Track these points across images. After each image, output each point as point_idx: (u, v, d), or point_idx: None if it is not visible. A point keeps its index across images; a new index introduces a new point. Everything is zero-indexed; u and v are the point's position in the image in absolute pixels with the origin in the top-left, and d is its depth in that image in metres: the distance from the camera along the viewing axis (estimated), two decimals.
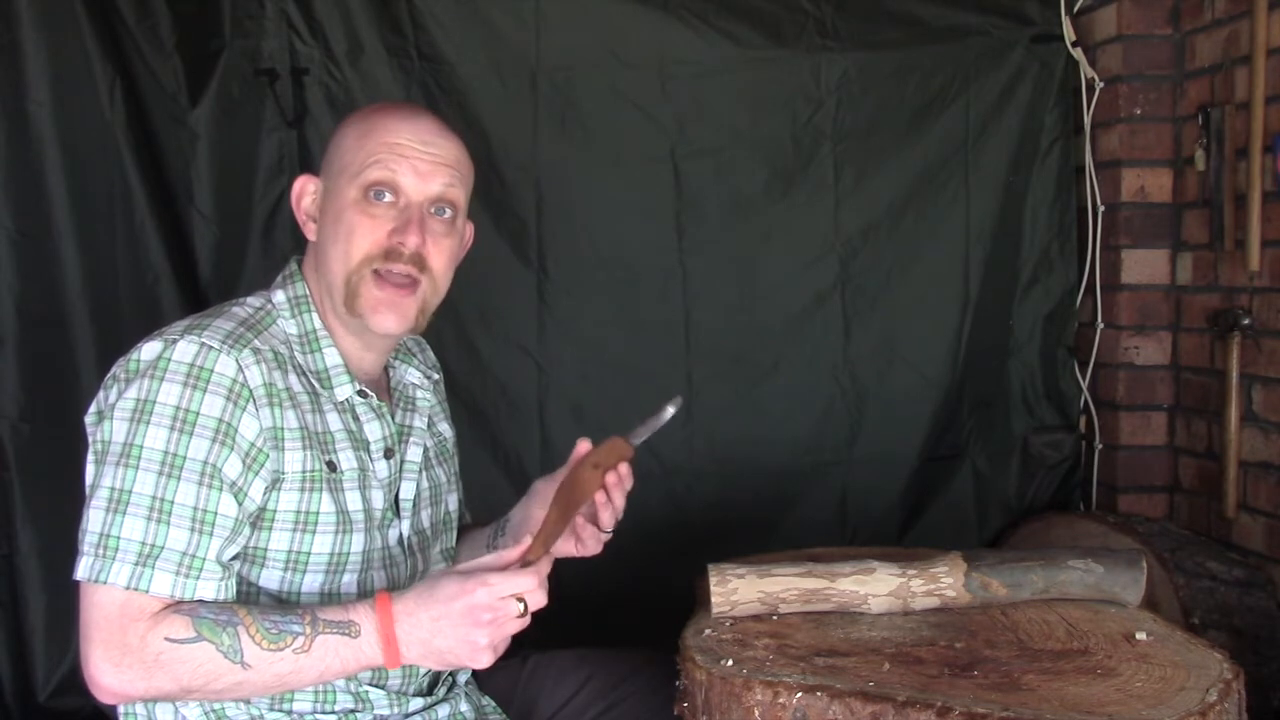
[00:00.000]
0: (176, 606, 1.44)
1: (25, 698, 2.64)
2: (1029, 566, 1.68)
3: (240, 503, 1.49)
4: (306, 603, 1.55)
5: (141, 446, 1.45)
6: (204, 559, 1.46)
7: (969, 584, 1.66)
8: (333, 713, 1.57)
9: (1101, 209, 2.98)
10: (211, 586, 1.46)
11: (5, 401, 2.59)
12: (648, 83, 2.83)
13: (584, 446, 1.65)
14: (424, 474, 1.72)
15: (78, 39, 2.58)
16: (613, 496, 1.64)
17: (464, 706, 1.72)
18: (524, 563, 1.47)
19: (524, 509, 1.79)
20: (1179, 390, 2.92)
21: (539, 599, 1.45)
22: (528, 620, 1.45)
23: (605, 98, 2.82)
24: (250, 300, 1.63)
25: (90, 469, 1.50)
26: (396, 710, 1.63)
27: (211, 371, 1.48)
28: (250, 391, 1.49)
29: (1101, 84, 2.95)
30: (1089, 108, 2.97)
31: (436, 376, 1.86)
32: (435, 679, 1.71)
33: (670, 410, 1.66)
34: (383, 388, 1.72)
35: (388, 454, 1.66)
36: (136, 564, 1.42)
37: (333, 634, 1.44)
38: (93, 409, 1.55)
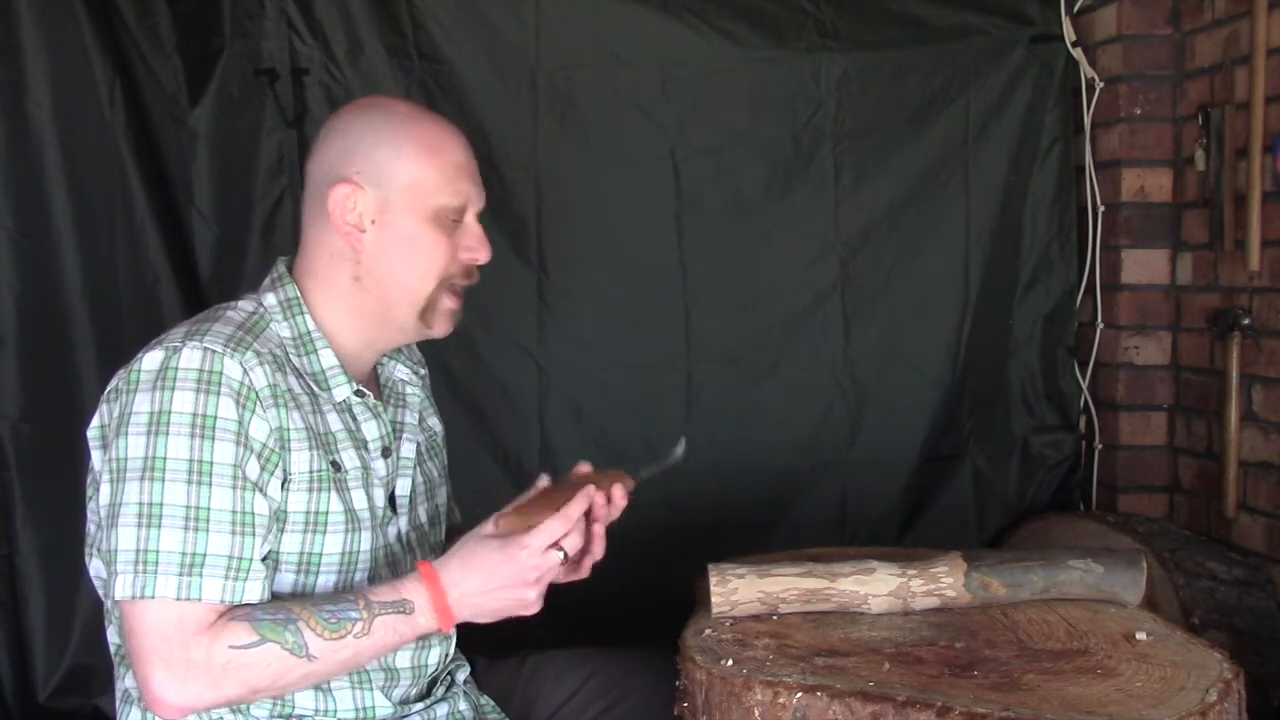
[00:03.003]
0: (231, 613, 1.44)
1: (25, 698, 2.64)
2: (1029, 566, 1.68)
3: (267, 500, 1.49)
4: (354, 588, 1.56)
5: (165, 458, 1.44)
6: (250, 560, 1.46)
7: (969, 584, 1.66)
8: (334, 715, 1.57)
9: (1101, 209, 2.98)
10: (258, 586, 1.47)
11: (5, 401, 2.59)
12: (648, 83, 2.83)
13: (584, 468, 1.69)
14: (418, 469, 1.73)
15: (78, 39, 2.58)
16: (596, 515, 1.62)
17: (462, 706, 1.73)
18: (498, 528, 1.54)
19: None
20: (1179, 390, 2.92)
21: (575, 541, 1.55)
22: (564, 562, 1.53)
23: (605, 98, 2.82)
24: (242, 304, 1.63)
25: (105, 488, 1.48)
26: (397, 710, 1.63)
27: (220, 375, 1.47)
28: (256, 393, 1.49)
29: (1101, 84, 2.95)
30: (1089, 108, 2.97)
31: (423, 371, 1.86)
32: (434, 679, 1.71)
33: (679, 452, 1.71)
34: (373, 386, 1.72)
35: (385, 452, 1.66)
36: (181, 574, 1.42)
37: (389, 614, 1.48)
38: (95, 424, 1.54)
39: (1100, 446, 3.03)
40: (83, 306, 2.63)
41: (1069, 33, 2.95)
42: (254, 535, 1.47)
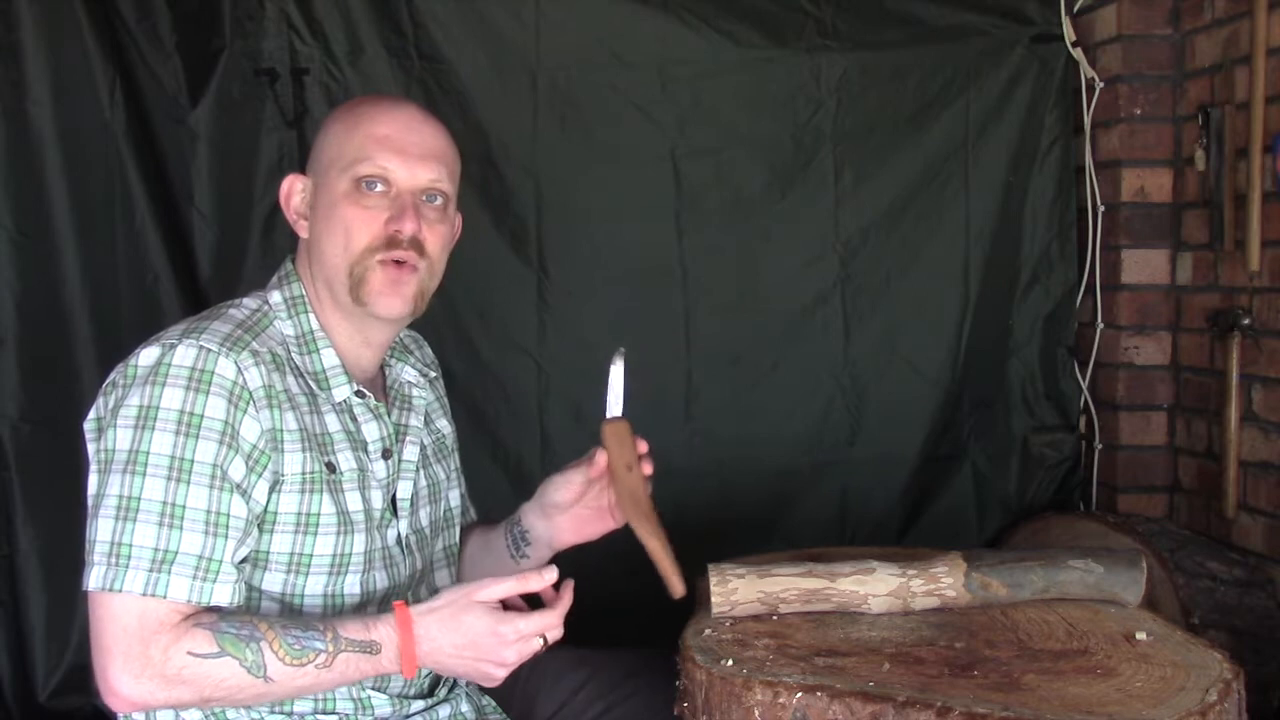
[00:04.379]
0: (196, 619, 1.44)
1: (25, 698, 2.64)
2: (1029, 566, 1.68)
3: (247, 504, 1.49)
4: (325, 614, 1.55)
5: (148, 453, 1.44)
6: (220, 561, 1.46)
7: (969, 584, 1.66)
8: (333, 713, 1.57)
9: (1101, 209, 2.98)
10: (227, 590, 1.46)
11: (5, 401, 2.59)
12: (648, 83, 2.83)
13: (603, 460, 1.68)
14: (421, 473, 1.72)
15: (78, 39, 2.58)
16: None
17: (464, 707, 1.73)
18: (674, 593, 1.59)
19: (537, 513, 1.79)
20: (1179, 390, 2.92)
21: (558, 634, 1.51)
22: (543, 648, 1.51)
23: (605, 98, 2.82)
24: (246, 302, 1.63)
25: (93, 478, 1.49)
26: (398, 711, 1.63)
27: (212, 374, 1.47)
28: (250, 393, 1.49)
29: (1101, 84, 2.95)
30: (1089, 108, 2.97)
31: (434, 374, 1.85)
32: (436, 680, 1.71)
33: (617, 364, 1.70)
34: (379, 387, 1.72)
35: (385, 454, 1.66)
36: (151, 570, 1.42)
37: (354, 652, 1.47)
38: (92, 415, 1.54)
39: (1100, 446, 3.02)
40: (83, 306, 2.62)
41: (1069, 33, 2.95)
42: (227, 538, 1.46)
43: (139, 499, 1.44)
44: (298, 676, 1.45)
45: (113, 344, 2.62)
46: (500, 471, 2.81)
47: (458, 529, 1.83)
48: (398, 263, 1.59)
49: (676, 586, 1.60)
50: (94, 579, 1.43)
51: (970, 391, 3.00)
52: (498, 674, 1.50)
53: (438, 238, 1.63)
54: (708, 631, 1.62)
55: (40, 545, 2.61)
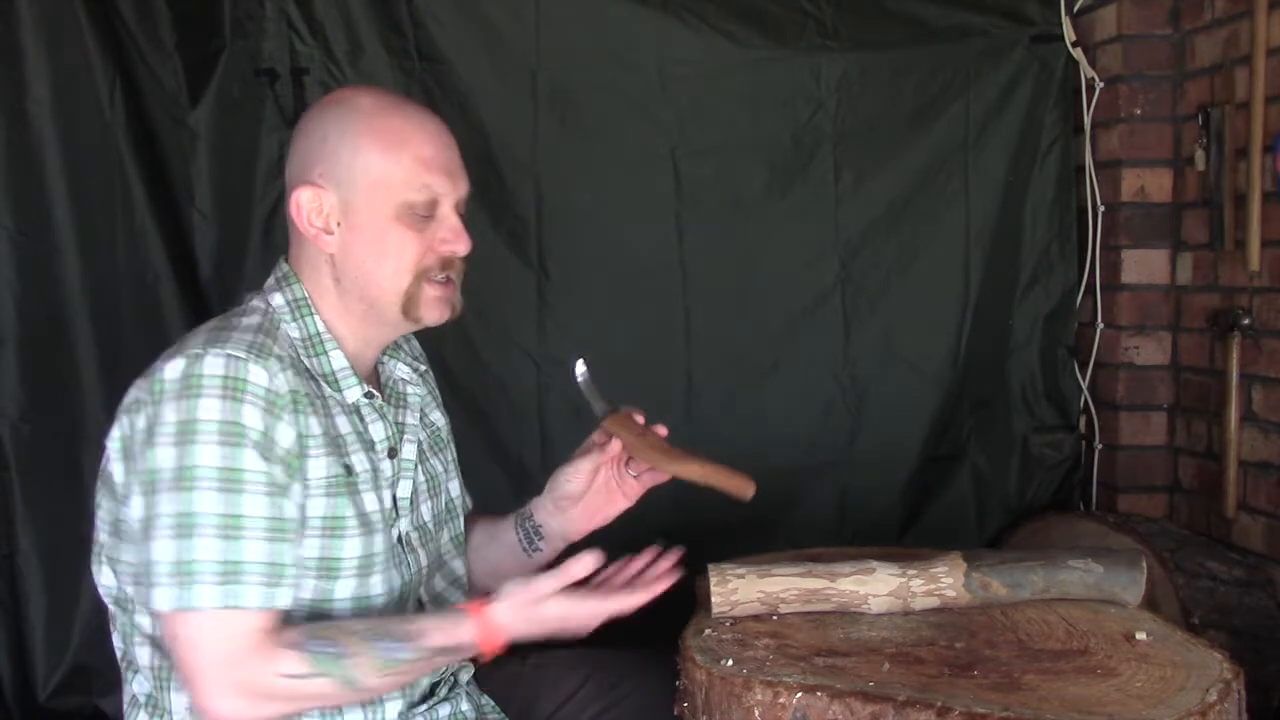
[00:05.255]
0: (281, 637, 1.45)
1: (25, 698, 2.64)
2: (1029, 566, 1.68)
3: (295, 505, 1.50)
4: (406, 616, 1.60)
5: (196, 467, 1.43)
6: (285, 565, 1.47)
7: (969, 584, 1.66)
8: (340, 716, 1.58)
9: (1101, 209, 2.98)
10: (290, 593, 1.48)
11: (5, 401, 2.59)
12: (648, 83, 2.83)
13: (616, 445, 1.76)
14: (419, 468, 1.72)
15: (78, 39, 2.57)
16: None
17: (464, 706, 1.73)
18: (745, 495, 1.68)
19: (549, 509, 1.81)
20: (1179, 390, 2.92)
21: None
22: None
23: (605, 98, 2.82)
24: (254, 304, 1.63)
25: (139, 500, 1.47)
26: (403, 714, 1.63)
27: (246, 381, 1.47)
28: (280, 399, 1.49)
29: (1101, 84, 2.95)
30: (1089, 108, 2.97)
31: (424, 367, 1.85)
32: (436, 680, 1.71)
33: (581, 371, 1.80)
34: (375, 384, 1.72)
35: (391, 453, 1.66)
36: (222, 583, 1.42)
37: (441, 656, 1.54)
38: (116, 434, 1.52)
39: (1100, 446, 3.02)
40: (83, 306, 2.62)
41: (1069, 33, 2.95)
42: (285, 541, 1.47)
43: (195, 514, 1.43)
44: (388, 684, 1.52)
45: (113, 344, 2.63)
46: (500, 471, 2.81)
47: (462, 519, 1.83)
48: (443, 282, 1.63)
49: (745, 488, 1.67)
50: (165, 600, 1.43)
51: (970, 391, 3.00)
52: (562, 628, 1.58)
53: (471, 243, 1.67)
54: (708, 631, 1.62)
55: (40, 545, 2.61)
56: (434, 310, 1.64)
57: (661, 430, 1.75)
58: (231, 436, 1.44)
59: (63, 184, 2.60)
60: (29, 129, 2.58)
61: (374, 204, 1.59)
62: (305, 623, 1.51)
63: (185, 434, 1.44)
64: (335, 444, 1.56)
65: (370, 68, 2.73)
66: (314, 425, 1.53)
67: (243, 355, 1.48)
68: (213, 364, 1.47)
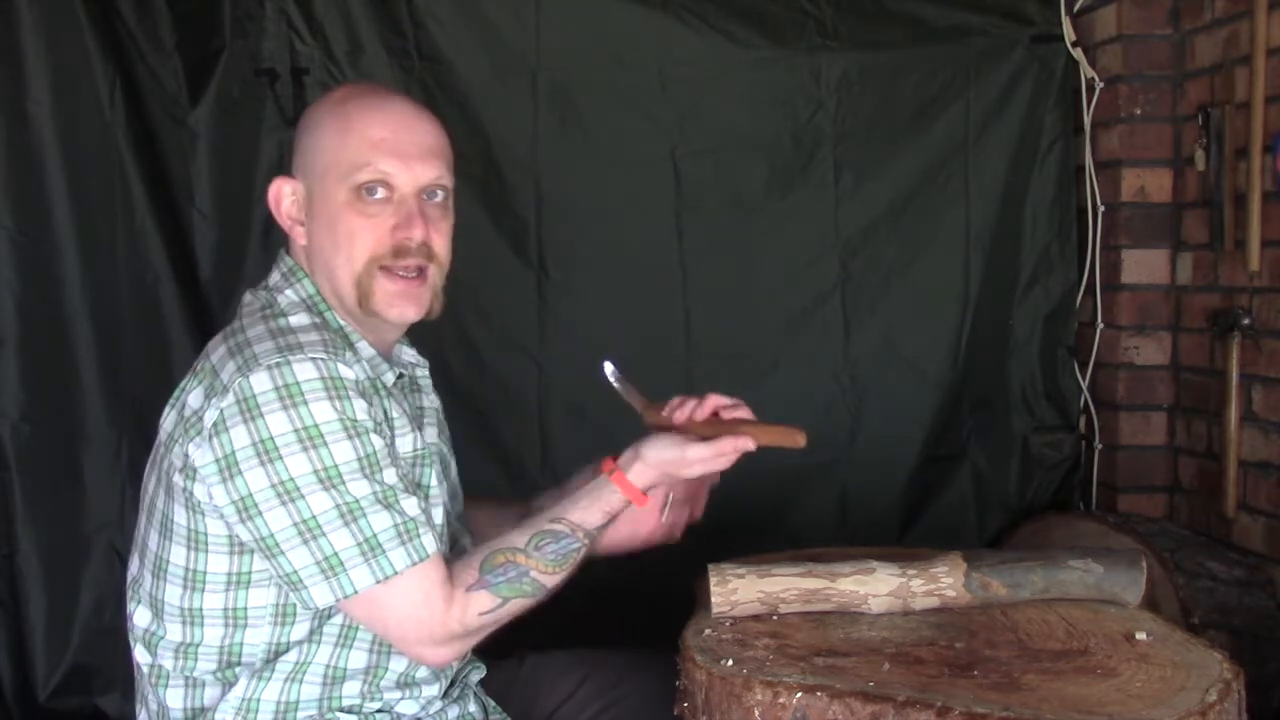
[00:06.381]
0: (463, 581, 1.52)
1: (25, 698, 2.64)
2: (1029, 566, 1.68)
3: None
4: (555, 511, 1.62)
5: (333, 465, 1.45)
6: (415, 519, 1.51)
7: (969, 584, 1.66)
8: (357, 714, 1.59)
9: (1101, 209, 2.98)
10: (433, 536, 1.52)
11: (5, 401, 2.59)
12: (648, 83, 2.83)
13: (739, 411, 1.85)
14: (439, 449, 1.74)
15: (78, 39, 2.58)
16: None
17: (472, 707, 1.73)
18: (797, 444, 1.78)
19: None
20: (1179, 390, 2.92)
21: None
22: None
23: (605, 98, 2.83)
24: (287, 297, 1.61)
25: (276, 513, 1.45)
26: (426, 709, 1.64)
27: (340, 379, 1.48)
28: (367, 388, 1.51)
29: (1101, 84, 2.95)
30: (1089, 108, 2.97)
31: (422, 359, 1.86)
32: (450, 681, 1.71)
33: (610, 370, 1.87)
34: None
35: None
36: (404, 543, 1.48)
37: (602, 529, 1.62)
38: (210, 459, 1.47)
39: (1100, 446, 3.02)
40: (83, 306, 2.63)
41: (1069, 33, 2.95)
42: (414, 496, 1.53)
43: (357, 500, 1.46)
44: (566, 573, 1.59)
45: (113, 344, 2.63)
46: (500, 471, 2.81)
47: (462, 498, 1.84)
48: (407, 276, 1.58)
49: (797, 438, 1.76)
50: (361, 579, 1.47)
51: (970, 391, 3.00)
52: (682, 473, 1.69)
53: (443, 235, 1.63)
54: (708, 631, 1.62)
55: (40, 545, 2.61)
56: (392, 305, 1.59)
57: (707, 407, 1.79)
58: (354, 428, 1.47)
59: (63, 184, 2.60)
60: (29, 129, 2.58)
61: (327, 189, 1.59)
62: (466, 557, 1.57)
63: (309, 439, 1.45)
64: (408, 423, 1.60)
65: (370, 68, 2.73)
66: (394, 407, 1.57)
67: (323, 355, 1.48)
68: (304, 370, 1.46)
